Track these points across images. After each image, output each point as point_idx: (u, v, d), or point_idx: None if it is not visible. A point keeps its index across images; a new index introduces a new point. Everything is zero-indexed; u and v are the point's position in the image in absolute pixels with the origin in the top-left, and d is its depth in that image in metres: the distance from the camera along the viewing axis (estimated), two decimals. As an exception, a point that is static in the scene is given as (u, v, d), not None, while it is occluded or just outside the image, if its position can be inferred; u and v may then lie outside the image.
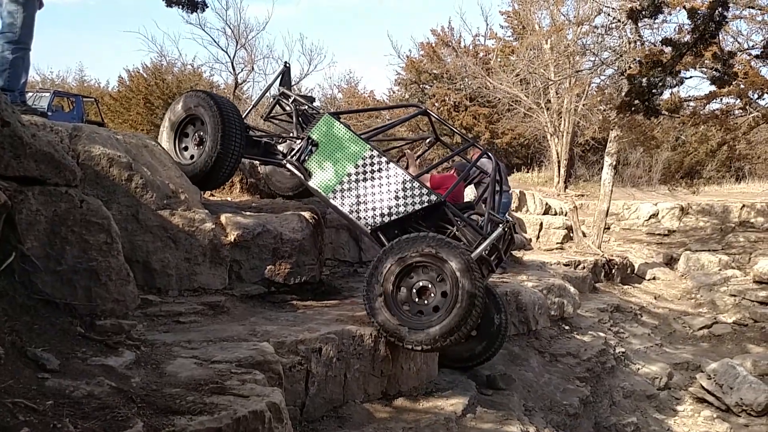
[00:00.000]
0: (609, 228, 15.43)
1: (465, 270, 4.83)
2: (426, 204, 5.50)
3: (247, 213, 6.24)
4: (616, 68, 13.04)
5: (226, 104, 6.16)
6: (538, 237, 14.09)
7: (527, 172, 21.34)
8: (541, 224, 14.28)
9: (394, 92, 25.65)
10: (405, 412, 5.04)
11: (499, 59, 21.57)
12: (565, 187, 18.70)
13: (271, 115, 7.20)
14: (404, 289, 5.11)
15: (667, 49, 7.32)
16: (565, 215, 15.24)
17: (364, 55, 50.60)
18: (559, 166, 18.73)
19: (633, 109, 7.84)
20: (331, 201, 5.84)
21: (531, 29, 18.45)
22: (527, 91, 18.72)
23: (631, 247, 15.49)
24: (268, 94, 7.95)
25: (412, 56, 24.41)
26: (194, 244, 5.28)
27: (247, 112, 7.14)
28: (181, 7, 6.11)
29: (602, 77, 15.13)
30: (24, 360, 2.83)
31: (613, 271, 13.13)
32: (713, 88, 10.20)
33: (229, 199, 7.10)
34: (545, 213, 15.50)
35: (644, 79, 7.07)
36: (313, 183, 5.95)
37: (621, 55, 12.26)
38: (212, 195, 7.15)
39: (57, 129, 4.70)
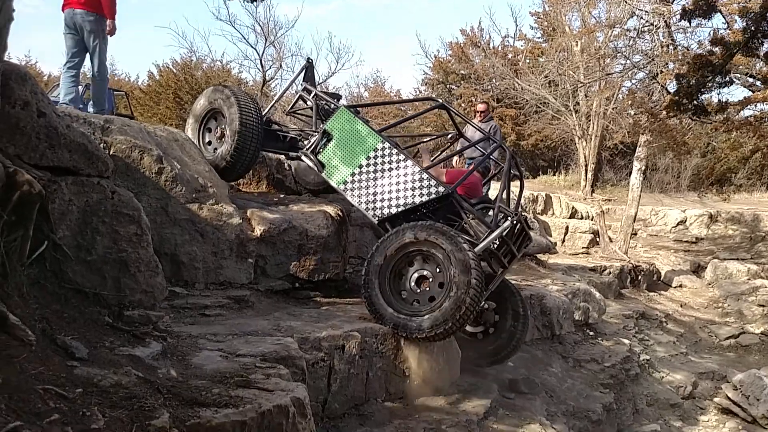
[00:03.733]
0: (636, 234, 15.22)
1: (460, 260, 4.78)
2: (434, 195, 5.49)
3: (274, 209, 6.27)
4: (647, 72, 12.85)
5: (245, 99, 6.34)
6: (563, 241, 13.96)
7: (554, 175, 21.12)
8: (567, 228, 14.15)
9: (420, 92, 25.58)
10: (426, 412, 5.02)
11: (527, 60, 21.42)
12: (592, 191, 18.48)
13: (294, 109, 7.31)
14: (403, 278, 5.13)
15: (716, 50, 7.21)
16: (592, 220, 15.06)
17: (392, 55, 50.58)
18: (586, 170, 18.51)
19: (681, 108, 7.73)
20: (343, 192, 5.89)
21: (561, 31, 18.26)
22: (556, 93, 18.53)
23: (658, 253, 15.26)
24: (292, 89, 7.94)
25: (440, 56, 24.36)
26: (221, 238, 5.32)
27: (269, 107, 7.28)
28: None
29: (633, 81, 14.91)
30: (54, 347, 2.87)
31: (639, 277, 12.95)
32: (746, 94, 10.03)
33: (256, 194, 7.14)
34: (571, 217, 15.34)
35: (693, 79, 6.98)
36: (326, 174, 6.03)
37: (653, 59, 12.08)
38: (239, 190, 7.19)
39: (90, 121, 4.76)
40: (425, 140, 7.85)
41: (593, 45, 16.47)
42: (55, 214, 3.40)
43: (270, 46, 21.90)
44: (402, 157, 5.70)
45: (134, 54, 46.85)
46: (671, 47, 11.71)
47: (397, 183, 5.63)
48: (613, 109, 17.77)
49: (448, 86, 24.17)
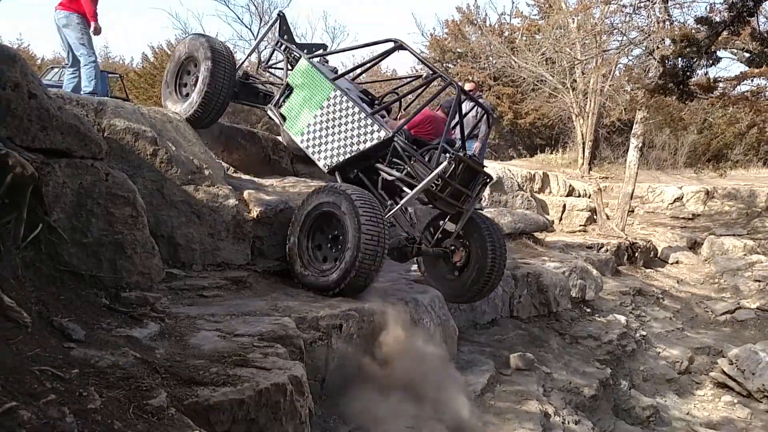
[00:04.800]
0: (633, 211, 15.22)
1: (354, 215, 4.92)
2: (377, 141, 5.52)
3: (270, 190, 6.25)
4: (643, 48, 12.76)
5: (219, 48, 6.36)
6: (561, 219, 13.96)
7: (551, 153, 21.05)
8: (564, 206, 14.14)
9: (417, 70, 25.44)
10: (424, 390, 5.05)
11: (524, 38, 21.24)
12: (590, 169, 18.44)
13: (269, 64, 7.27)
14: (319, 242, 5.35)
15: (703, 28, 7.10)
16: (589, 197, 15.05)
17: (387, 34, 50.16)
18: (583, 148, 18.46)
19: (667, 92, 7.63)
20: (300, 144, 6.00)
21: (558, 7, 18.08)
22: (552, 70, 18.41)
23: (655, 230, 15.27)
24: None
25: (436, 34, 24.18)
26: (218, 219, 5.31)
27: (243, 60, 7.32)
28: None
29: (630, 57, 14.84)
30: (50, 329, 2.89)
31: (636, 254, 12.98)
32: (742, 69, 9.95)
33: (252, 176, 7.12)
34: (569, 195, 15.32)
35: (678, 60, 6.87)
36: (287, 127, 6.13)
37: (649, 35, 11.99)
38: (236, 172, 7.17)
39: (83, 102, 4.73)
40: (399, 85, 7.62)
41: (590, 21, 16.34)
42: (49, 197, 3.40)
43: (265, 26, 21.72)
44: (351, 103, 5.70)
45: (129, 37, 46.41)
46: (668, 23, 11.62)
47: (346, 131, 5.68)
48: (609, 86, 17.68)
49: (444, 64, 24.01)
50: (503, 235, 6.41)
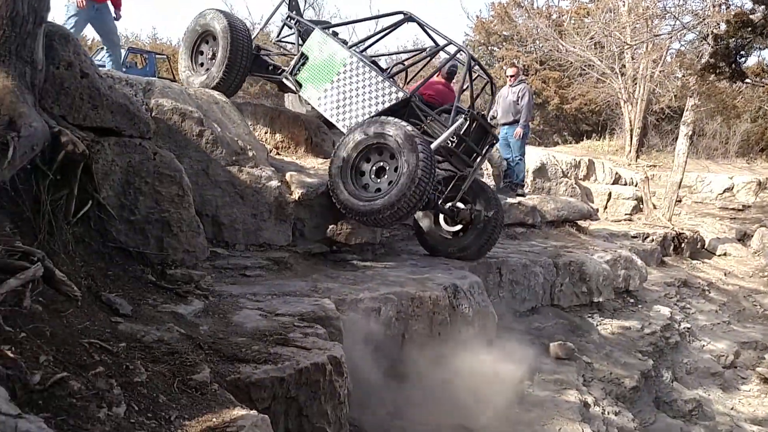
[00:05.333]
0: (680, 201, 14.83)
1: (408, 145, 5.20)
2: (395, 101, 5.91)
3: (312, 172, 6.29)
4: (697, 33, 12.36)
5: (237, 21, 6.74)
6: (606, 207, 13.70)
7: (597, 139, 20.59)
8: (610, 194, 13.86)
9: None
10: (463, 377, 5.05)
11: (572, 21, 20.77)
12: (637, 157, 18.00)
13: (280, 38, 7.64)
14: (363, 173, 5.61)
15: (760, 8, 6.81)
16: (636, 186, 14.72)
17: (434, 17, 49.62)
18: (631, 135, 18.01)
19: (717, 71, 7.37)
20: (318, 108, 6.35)
21: (608, -10, 17.64)
22: (601, 55, 17.95)
23: (703, 221, 14.86)
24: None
25: (482, 17, 23.85)
26: (260, 200, 5.37)
27: (256, 33, 7.60)
28: None
29: (682, 42, 14.38)
30: (99, 304, 2.97)
31: (683, 245, 12.66)
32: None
33: (294, 158, 7.17)
34: (615, 183, 15.01)
35: (732, 41, 6.62)
36: (303, 93, 6.50)
37: (703, 19, 11.59)
38: (278, 153, 7.23)
39: (132, 82, 4.83)
40: (405, 59, 7.71)
41: (641, 5, 15.85)
42: (99, 174, 3.49)
43: (309, 8, 21.81)
44: (368, 68, 6.07)
45: (177, 18, 47.06)
46: (723, 6, 11.20)
47: (364, 93, 6.05)
48: (660, 71, 17.17)
49: (489, 48, 23.70)
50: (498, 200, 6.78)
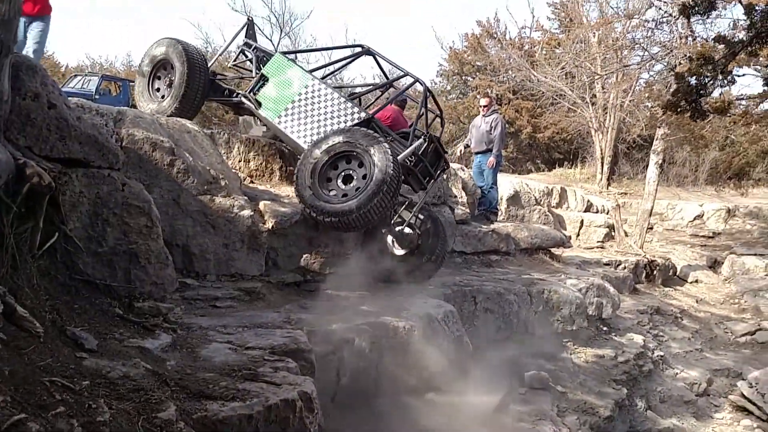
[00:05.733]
0: (652, 228, 15.05)
1: (382, 155, 5.40)
2: (357, 120, 6.15)
3: (286, 201, 6.26)
4: (665, 64, 12.68)
5: (192, 49, 6.91)
6: (578, 234, 13.83)
7: (569, 167, 20.90)
8: (582, 222, 14.01)
9: (435, 83, 25.46)
10: (437, 407, 5.01)
11: (544, 52, 21.19)
12: (608, 185, 18.29)
13: (236, 63, 7.85)
14: (330, 180, 5.71)
15: (720, 47, 7.01)
16: (607, 213, 14.91)
17: (408, 47, 50.30)
18: (602, 163, 18.32)
19: (679, 110, 7.53)
20: (277, 125, 6.54)
21: (578, 22, 18.03)
22: (572, 85, 18.32)
23: (674, 248, 15.08)
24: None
25: (456, 48, 24.20)
26: (233, 230, 5.32)
27: (212, 61, 7.63)
28: None
29: (651, 73, 14.73)
30: (63, 339, 2.89)
31: (655, 272, 12.81)
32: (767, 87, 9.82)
33: (268, 187, 7.13)
34: (587, 210, 15.19)
35: (693, 78, 6.79)
36: (262, 111, 6.71)
37: (671, 51, 11.90)
38: (253, 182, 7.19)
39: (102, 112, 4.78)
40: (360, 90, 7.91)
41: (611, 36, 16.25)
42: (66, 206, 3.42)
43: (285, 37, 22.00)
44: (329, 90, 6.40)
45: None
46: (690, 38, 11.52)
47: (327, 113, 6.31)
48: (630, 101, 17.55)
49: (463, 77, 24.01)
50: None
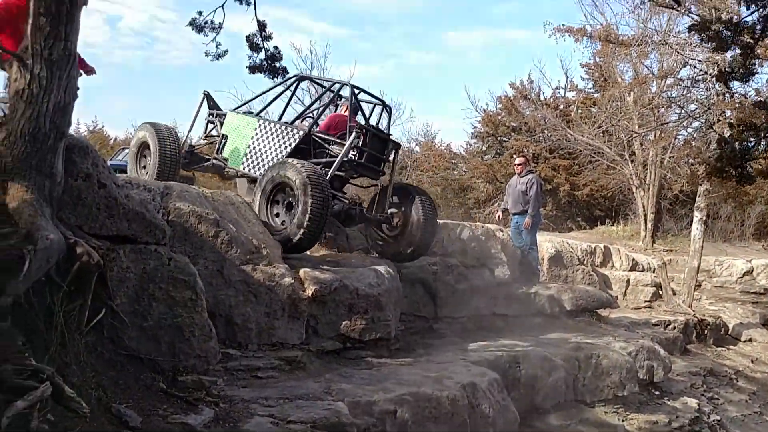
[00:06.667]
0: (700, 285, 14.58)
1: (303, 183, 5.98)
2: (298, 139, 7.02)
3: (325, 268, 6.30)
4: (703, 121, 12.56)
5: (163, 130, 7.84)
6: (625, 294, 13.49)
7: (612, 225, 20.58)
8: (628, 281, 13.69)
9: (471, 145, 25.66)
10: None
11: (579, 111, 21.27)
12: (653, 242, 17.89)
13: (208, 134, 8.64)
14: (276, 210, 6.44)
15: (761, 112, 6.91)
16: (654, 272, 14.55)
17: (442, 110, 51.10)
18: (645, 220, 17.99)
19: (725, 175, 7.38)
20: (244, 171, 7.47)
21: (613, 81, 18.12)
22: (610, 142, 18.25)
23: (724, 306, 14.54)
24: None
25: (489, 110, 24.46)
26: (274, 298, 5.36)
27: (185, 137, 8.69)
28: (263, 72, 6.69)
29: (689, 130, 14.58)
30: (108, 416, 2.92)
31: (706, 331, 12.35)
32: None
33: (308, 253, 7.20)
34: (632, 269, 14.84)
35: (736, 144, 6.68)
36: (229, 164, 7.65)
37: (708, 108, 11.81)
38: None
39: (150, 187, 4.94)
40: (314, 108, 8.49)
41: (646, 95, 16.24)
42: (113, 282, 3.51)
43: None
44: (270, 123, 7.41)
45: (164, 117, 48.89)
46: (727, 95, 11.42)
47: (273, 142, 7.18)
48: (670, 157, 17.36)
49: (498, 138, 24.15)
50: (432, 201, 7.69)
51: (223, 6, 6.29)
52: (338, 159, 6.67)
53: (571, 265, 12.53)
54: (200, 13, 6.49)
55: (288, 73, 7.39)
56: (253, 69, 6.92)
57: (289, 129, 7.14)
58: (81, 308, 3.05)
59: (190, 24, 6.45)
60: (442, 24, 52.38)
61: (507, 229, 10.60)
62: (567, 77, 27.24)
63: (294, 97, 8.42)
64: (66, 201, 3.31)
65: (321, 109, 7.80)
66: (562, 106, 22.51)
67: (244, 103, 9.08)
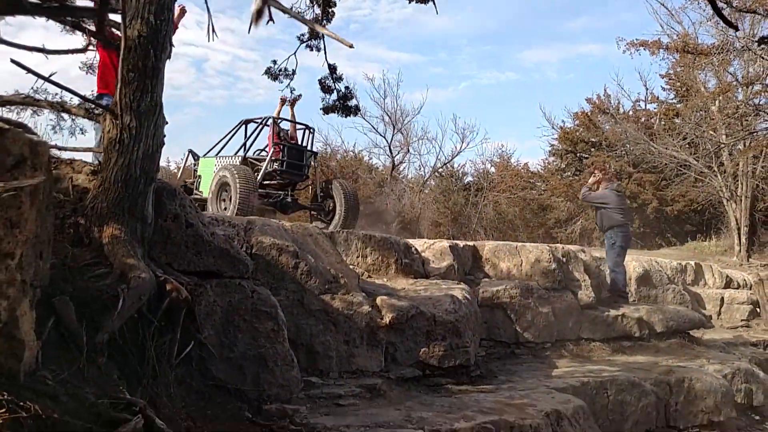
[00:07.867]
0: (803, 302, 13.67)
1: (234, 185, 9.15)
2: (237, 164, 9.99)
3: (402, 294, 6.37)
4: (796, 127, 11.91)
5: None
6: (719, 314, 12.81)
7: (703, 240, 19.64)
8: (722, 299, 13.00)
9: (549, 163, 25.21)
10: None
11: (662, 123, 20.54)
12: (748, 257, 16.94)
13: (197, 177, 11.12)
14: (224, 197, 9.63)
15: None
16: (750, 288, 13.76)
17: (518, 129, 50.50)
18: (739, 234, 17.07)
19: None
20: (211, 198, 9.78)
21: (695, 91, 17.44)
22: (696, 154, 17.50)
23: (830, 323, 13.55)
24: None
25: (567, 126, 24.00)
26: (353, 326, 5.46)
27: (179, 176, 11.88)
28: (336, 112, 6.92)
29: (782, 136, 13.81)
30: (198, 446, 3.07)
31: (811, 352, 11.53)
32: None
33: (384, 280, 7.30)
34: (726, 286, 14.08)
35: None
36: (203, 195, 10.12)
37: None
38: (370, 276, 7.39)
39: (234, 223, 5.19)
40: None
41: (732, 104, 15.52)
42: (201, 315, 3.71)
43: (398, 133, 23.19)
44: (223, 158, 10.52)
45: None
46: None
47: (225, 170, 9.71)
48: (762, 167, 16.47)
49: (578, 155, 23.62)
50: (354, 189, 10.81)
51: (295, 53, 6.58)
52: (263, 167, 9.88)
53: (660, 284, 12.02)
54: (274, 62, 6.92)
55: (360, 110, 8.47)
56: (327, 110, 7.18)
57: (233, 158, 10.27)
58: (171, 342, 3.25)
59: (266, 73, 6.86)
60: (514, 43, 52.02)
61: (590, 250, 10.35)
62: (646, 88, 26.37)
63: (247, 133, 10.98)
64: (156, 240, 3.55)
65: (252, 138, 10.71)
66: (643, 119, 21.80)
67: (210, 149, 11.50)
